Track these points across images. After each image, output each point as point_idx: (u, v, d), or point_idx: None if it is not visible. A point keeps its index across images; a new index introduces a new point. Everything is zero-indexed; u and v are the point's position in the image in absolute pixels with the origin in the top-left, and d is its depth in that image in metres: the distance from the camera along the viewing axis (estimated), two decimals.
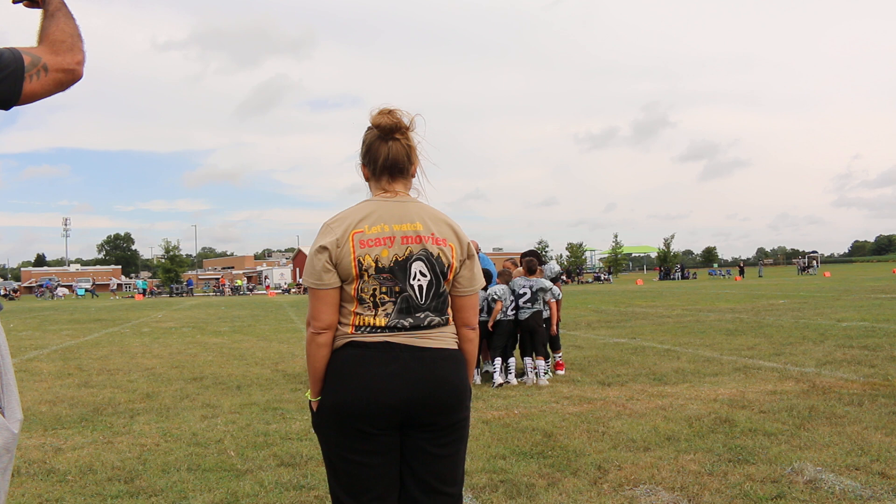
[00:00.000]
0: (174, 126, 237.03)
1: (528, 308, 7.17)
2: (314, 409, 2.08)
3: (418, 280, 2.02)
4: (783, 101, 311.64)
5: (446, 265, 2.05)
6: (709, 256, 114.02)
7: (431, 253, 2.03)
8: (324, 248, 1.99)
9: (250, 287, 59.18)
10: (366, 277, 1.99)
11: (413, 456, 2.04)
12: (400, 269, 2.01)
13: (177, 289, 56.15)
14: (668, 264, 63.74)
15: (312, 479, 3.96)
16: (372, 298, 2.00)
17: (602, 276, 61.12)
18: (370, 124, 2.09)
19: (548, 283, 7.34)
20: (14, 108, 1.78)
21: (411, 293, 2.01)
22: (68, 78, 1.81)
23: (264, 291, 55.53)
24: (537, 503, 3.54)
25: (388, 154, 2.07)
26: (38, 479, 4.12)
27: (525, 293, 7.21)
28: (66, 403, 6.53)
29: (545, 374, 7.15)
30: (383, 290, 2.00)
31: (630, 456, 4.26)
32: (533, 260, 7.39)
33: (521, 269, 7.54)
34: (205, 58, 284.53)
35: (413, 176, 2.14)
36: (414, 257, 2.02)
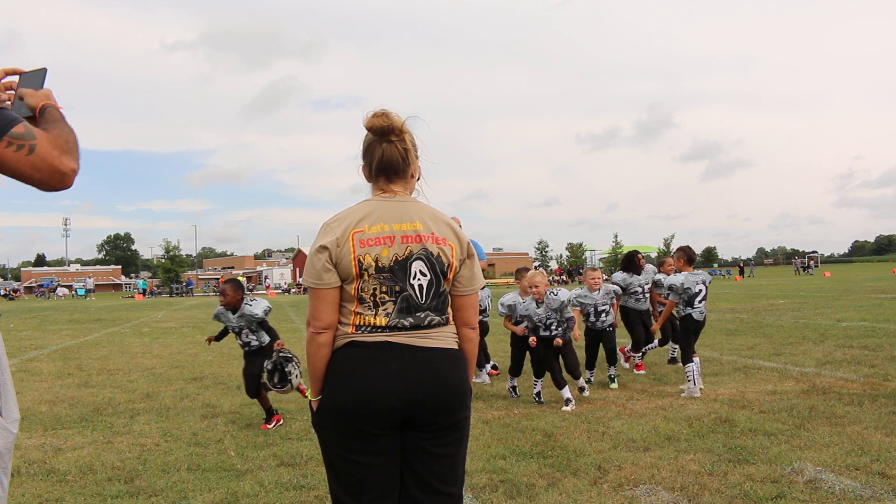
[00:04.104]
0: (179, 126, 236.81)
1: (703, 308, 6.17)
2: (314, 409, 2.08)
3: (418, 279, 2.02)
4: (785, 101, 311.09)
5: (446, 265, 2.06)
6: (709, 256, 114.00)
7: (431, 252, 2.04)
8: (324, 248, 1.99)
9: (250, 287, 59.19)
10: (366, 277, 1.99)
11: (413, 456, 2.04)
12: (400, 269, 2.01)
13: (177, 289, 56.15)
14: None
15: (312, 479, 3.96)
16: (372, 298, 2.00)
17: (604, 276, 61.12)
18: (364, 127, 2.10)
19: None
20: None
21: (411, 293, 2.01)
22: (53, 178, 1.60)
23: (264, 291, 55.54)
24: (537, 503, 3.54)
25: (382, 155, 2.08)
26: (38, 479, 4.12)
27: (701, 290, 6.15)
28: (66, 403, 6.54)
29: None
30: (383, 289, 2.00)
31: (630, 456, 4.26)
32: (690, 248, 6.44)
33: (667, 261, 6.85)
34: (214, 59, 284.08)
35: (413, 177, 2.15)
36: (414, 257, 2.02)
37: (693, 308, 6.14)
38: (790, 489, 3.58)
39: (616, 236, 72.08)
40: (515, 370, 6.36)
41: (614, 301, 6.85)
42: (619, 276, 7.65)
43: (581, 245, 74.17)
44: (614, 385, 6.52)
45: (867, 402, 5.48)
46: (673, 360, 7.92)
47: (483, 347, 7.36)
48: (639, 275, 7.65)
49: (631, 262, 7.76)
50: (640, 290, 7.63)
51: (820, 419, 5.01)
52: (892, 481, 3.64)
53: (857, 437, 4.50)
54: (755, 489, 3.59)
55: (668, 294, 6.37)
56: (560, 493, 3.66)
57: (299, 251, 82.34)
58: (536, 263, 68.57)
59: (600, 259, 75.53)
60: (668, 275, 7.58)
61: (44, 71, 1.92)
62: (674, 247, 67.53)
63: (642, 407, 5.67)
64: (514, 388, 6.37)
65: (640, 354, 7.58)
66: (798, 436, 4.57)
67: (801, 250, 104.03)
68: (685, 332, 6.18)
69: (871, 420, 4.93)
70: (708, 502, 3.48)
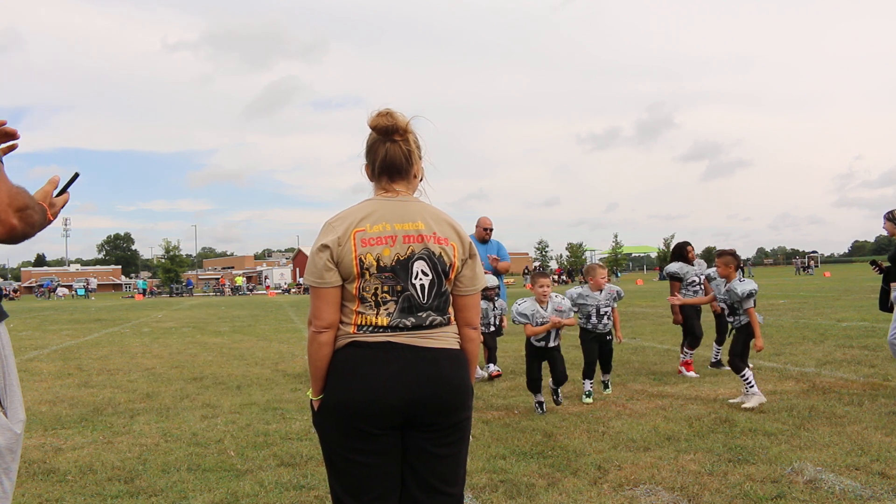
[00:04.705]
0: (179, 126, 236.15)
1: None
2: (315, 408, 2.08)
3: (420, 279, 2.02)
4: (785, 101, 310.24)
5: (448, 264, 2.06)
6: (708, 256, 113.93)
7: (433, 252, 2.04)
8: (325, 247, 1.99)
9: (250, 287, 59.19)
10: (367, 276, 1.99)
11: (414, 456, 2.04)
12: (402, 269, 2.01)
13: (177, 289, 56.18)
14: (667, 264, 63.67)
15: (312, 479, 3.96)
16: (374, 297, 2.00)
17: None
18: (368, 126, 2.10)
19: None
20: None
21: (413, 292, 2.01)
22: None
23: (264, 291, 55.54)
24: (537, 503, 3.54)
25: (385, 155, 2.08)
26: (38, 479, 4.12)
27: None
28: (66, 403, 6.53)
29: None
30: (385, 289, 2.00)
31: (630, 456, 4.26)
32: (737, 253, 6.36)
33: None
34: (215, 59, 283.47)
35: (416, 177, 2.15)
36: (416, 256, 2.02)
37: (742, 316, 5.87)
38: (790, 489, 3.58)
39: (616, 236, 72.24)
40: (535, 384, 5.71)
41: (615, 305, 6.46)
42: (676, 265, 7.41)
43: (581, 245, 74.32)
44: (608, 391, 6.38)
45: (867, 402, 5.48)
46: (716, 364, 7.48)
47: (493, 349, 7.34)
48: (692, 266, 7.41)
49: (680, 253, 7.53)
50: (696, 279, 7.31)
51: (820, 419, 5.01)
52: (892, 481, 3.64)
53: (857, 437, 4.50)
54: (755, 489, 3.59)
55: (743, 301, 5.86)
56: (560, 493, 3.66)
57: (299, 251, 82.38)
58: (536, 263, 68.59)
59: (600, 259, 75.62)
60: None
61: (73, 176, 2.06)
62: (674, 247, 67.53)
63: (642, 407, 5.67)
64: (539, 403, 5.66)
65: (691, 353, 7.26)
66: (798, 436, 4.58)
67: (801, 250, 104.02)
68: (747, 341, 5.85)
69: (871, 420, 4.93)
70: (708, 502, 3.48)
